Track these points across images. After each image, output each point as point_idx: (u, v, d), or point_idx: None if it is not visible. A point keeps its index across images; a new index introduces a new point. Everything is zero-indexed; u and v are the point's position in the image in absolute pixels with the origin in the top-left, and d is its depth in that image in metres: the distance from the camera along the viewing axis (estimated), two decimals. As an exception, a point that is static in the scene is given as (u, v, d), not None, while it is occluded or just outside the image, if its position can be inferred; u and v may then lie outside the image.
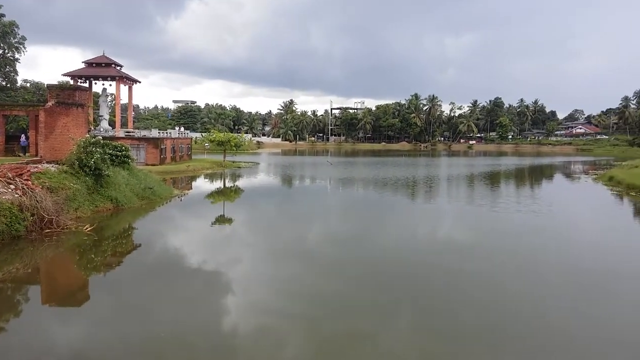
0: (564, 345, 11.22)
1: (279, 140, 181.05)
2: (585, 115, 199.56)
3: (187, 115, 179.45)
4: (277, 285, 15.77)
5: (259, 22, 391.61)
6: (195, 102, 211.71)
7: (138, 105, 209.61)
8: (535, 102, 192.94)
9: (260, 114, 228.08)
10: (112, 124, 71.55)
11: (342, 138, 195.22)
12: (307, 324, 12.56)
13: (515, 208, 31.57)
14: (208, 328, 12.09)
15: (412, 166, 76.93)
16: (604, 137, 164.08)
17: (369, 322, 12.66)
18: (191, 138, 77.60)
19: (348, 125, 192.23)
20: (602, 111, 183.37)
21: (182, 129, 78.80)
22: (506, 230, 25.43)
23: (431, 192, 42.45)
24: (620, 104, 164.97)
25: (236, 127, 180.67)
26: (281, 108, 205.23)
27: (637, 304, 14.14)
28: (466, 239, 23.41)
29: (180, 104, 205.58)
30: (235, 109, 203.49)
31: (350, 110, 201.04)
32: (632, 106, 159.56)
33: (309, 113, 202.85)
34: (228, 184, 48.02)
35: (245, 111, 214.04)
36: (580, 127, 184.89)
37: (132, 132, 62.21)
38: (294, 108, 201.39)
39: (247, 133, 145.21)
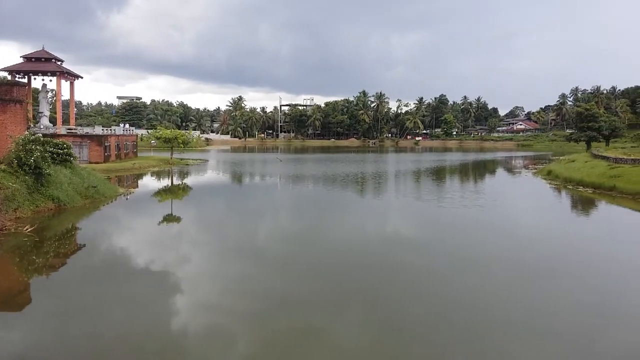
0: (504, 334, 11.72)
1: (228, 137, 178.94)
2: (525, 112, 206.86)
3: (133, 111, 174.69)
4: (226, 283, 15.69)
5: (206, 18, 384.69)
6: (141, 98, 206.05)
7: (81, 102, 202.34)
8: (478, 100, 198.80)
9: (208, 110, 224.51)
10: (53, 121, 68.80)
11: (292, 135, 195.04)
12: (258, 321, 12.56)
13: (461, 203, 32.53)
14: (156, 329, 11.90)
15: (361, 162, 77.85)
16: (543, 133, 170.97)
17: (320, 317, 12.80)
18: (137, 135, 75.66)
19: (297, 121, 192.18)
20: (541, 108, 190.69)
21: (127, 125, 76.81)
22: (453, 225, 26.16)
23: (380, 188, 43.14)
24: (558, 101, 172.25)
25: (184, 124, 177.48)
26: (230, 105, 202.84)
27: (572, 295, 14.89)
28: (414, 234, 24.00)
29: (125, 100, 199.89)
30: (182, 106, 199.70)
31: (300, 107, 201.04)
32: (569, 103, 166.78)
33: (258, 110, 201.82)
34: (176, 182, 47.18)
35: (193, 108, 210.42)
36: (520, 123, 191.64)
37: (75, 129, 60.00)
38: (243, 105, 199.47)
39: (195, 130, 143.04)
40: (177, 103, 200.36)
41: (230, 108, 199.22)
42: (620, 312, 13.27)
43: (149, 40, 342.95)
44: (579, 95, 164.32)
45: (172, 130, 73.68)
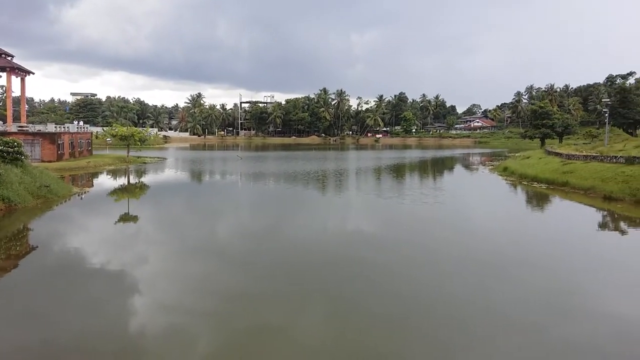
0: (462, 328, 11.91)
1: (187, 134, 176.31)
2: (482, 110, 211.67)
3: (87, 108, 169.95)
4: (186, 282, 15.40)
5: (162, 13, 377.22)
6: (96, 94, 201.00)
7: (32, 99, 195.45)
8: (437, 97, 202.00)
9: (166, 107, 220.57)
10: (2, 118, 66.13)
11: (253, 132, 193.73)
12: (218, 320, 12.40)
13: (422, 200, 32.97)
14: (112, 331, 11.57)
15: (322, 160, 77.98)
16: (499, 130, 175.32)
17: (281, 315, 12.72)
18: (91, 133, 73.50)
19: (258, 119, 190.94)
20: (497, 106, 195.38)
21: (82, 123, 74.52)
22: (413, 222, 26.51)
23: (341, 186, 43.30)
24: (514, 99, 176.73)
25: (141, 121, 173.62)
26: (188, 101, 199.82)
27: (526, 287, 15.28)
28: (375, 231, 24.18)
29: (79, 97, 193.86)
30: (139, 102, 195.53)
31: (260, 104, 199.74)
32: (524, 101, 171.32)
33: (218, 107, 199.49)
34: (133, 181, 46.13)
35: (151, 104, 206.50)
36: (477, 120, 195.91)
37: (26, 126, 57.86)
38: (202, 101, 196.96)
39: (152, 127, 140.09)
40: (134, 100, 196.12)
41: (189, 105, 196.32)
42: (572, 303, 13.66)
43: (104, 35, 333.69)
44: (534, 93, 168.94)
45: (129, 127, 72.15)
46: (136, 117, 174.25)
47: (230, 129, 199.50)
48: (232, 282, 15.49)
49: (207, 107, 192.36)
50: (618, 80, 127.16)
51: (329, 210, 30.56)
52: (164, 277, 16.05)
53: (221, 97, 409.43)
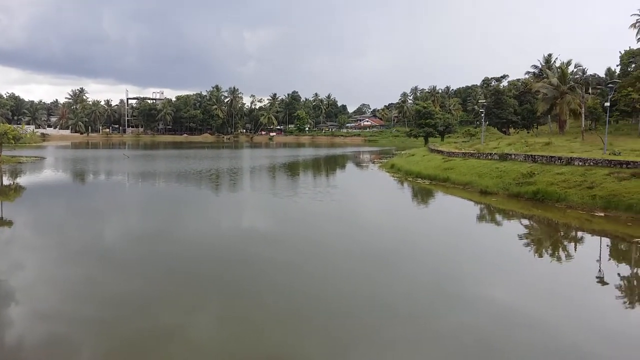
0: (351, 320, 12.39)
1: (68, 132, 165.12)
2: (372, 110, 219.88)
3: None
4: (69, 288, 14.46)
5: (39, 2, 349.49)
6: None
7: None
8: (329, 97, 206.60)
9: (45, 103, 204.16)
10: None
11: (141, 130, 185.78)
12: (105, 326, 11.77)
13: (316, 197, 33.59)
14: (-15, 345, 10.62)
15: (216, 158, 76.64)
16: (387, 129, 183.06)
17: (174, 317, 12.39)
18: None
19: (147, 116, 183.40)
20: (385, 105, 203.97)
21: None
22: (308, 218, 26.93)
23: (235, 184, 42.90)
24: (400, 99, 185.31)
25: (15, 118, 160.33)
26: (69, 97, 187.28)
27: (412, 277, 16.20)
28: (270, 229, 24.27)
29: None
30: (14, 98, 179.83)
31: (149, 101, 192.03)
32: (409, 101, 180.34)
33: (102, 103, 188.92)
34: (6, 182, 42.36)
35: (27, 100, 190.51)
36: (367, 120, 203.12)
37: None
38: (84, 97, 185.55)
39: (29, 124, 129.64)
40: (7, 95, 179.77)
41: (70, 101, 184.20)
42: (454, 291, 14.68)
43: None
44: (418, 94, 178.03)
45: (2, 124, 66.18)
46: (10, 113, 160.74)
47: (117, 126, 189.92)
48: (120, 285, 14.77)
49: (91, 103, 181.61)
50: (493, 83, 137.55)
51: (223, 210, 30.18)
52: (43, 283, 14.93)
53: (106, 92, 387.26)
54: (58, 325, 11.82)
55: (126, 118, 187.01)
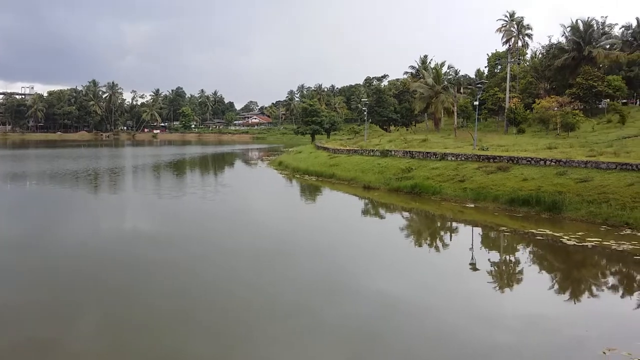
0: (244, 321, 12.56)
1: None
2: (259, 107, 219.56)
3: None
4: None
5: None
6: None
7: None
8: (215, 93, 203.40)
9: None
10: None
11: (9, 127, 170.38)
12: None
13: (204, 196, 33.08)
14: None
15: (94, 158, 72.19)
16: (275, 126, 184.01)
17: (51, 327, 11.74)
18: None
19: (15, 112, 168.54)
20: (273, 103, 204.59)
21: None
22: (198, 218, 26.41)
23: (117, 185, 40.97)
24: (287, 97, 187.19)
25: None
26: None
27: (301, 272, 16.68)
28: (158, 230, 23.54)
29: None
30: None
31: (17, 96, 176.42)
32: (296, 99, 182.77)
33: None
34: None
35: None
36: (255, 117, 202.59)
37: None
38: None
39: None
40: None
41: None
42: (340, 284, 15.37)
43: None
44: (305, 92, 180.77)
45: None
46: None
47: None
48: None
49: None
50: (374, 82, 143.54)
51: (105, 213, 28.60)
52: None
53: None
54: None
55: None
